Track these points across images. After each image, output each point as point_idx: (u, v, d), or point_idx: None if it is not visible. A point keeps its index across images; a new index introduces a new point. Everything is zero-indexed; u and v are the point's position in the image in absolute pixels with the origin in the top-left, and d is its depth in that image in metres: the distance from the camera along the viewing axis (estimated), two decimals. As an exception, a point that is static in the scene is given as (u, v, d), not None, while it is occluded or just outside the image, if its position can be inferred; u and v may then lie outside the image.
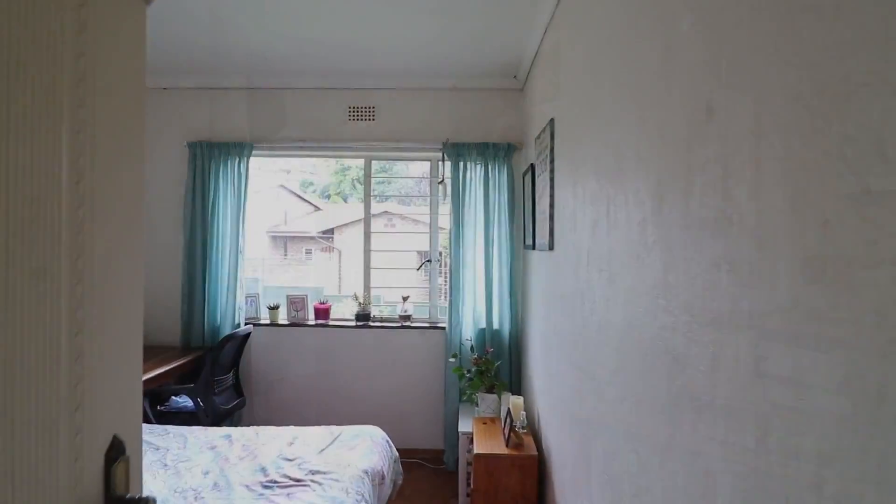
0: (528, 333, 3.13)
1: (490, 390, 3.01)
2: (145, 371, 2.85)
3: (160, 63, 3.34)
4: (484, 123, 3.55)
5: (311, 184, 18.32)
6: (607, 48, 1.51)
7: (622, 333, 1.33)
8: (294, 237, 15.08)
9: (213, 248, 3.50)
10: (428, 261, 3.72)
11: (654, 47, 1.13)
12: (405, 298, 3.69)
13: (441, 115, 3.58)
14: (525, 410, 2.75)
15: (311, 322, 3.71)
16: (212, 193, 3.50)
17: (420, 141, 3.58)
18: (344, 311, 5.40)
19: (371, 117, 3.60)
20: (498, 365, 3.15)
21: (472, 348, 3.25)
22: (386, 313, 3.88)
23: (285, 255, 15.10)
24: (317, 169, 18.42)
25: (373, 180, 3.80)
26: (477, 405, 3.05)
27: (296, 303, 3.75)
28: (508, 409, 2.61)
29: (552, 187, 2.31)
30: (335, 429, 2.49)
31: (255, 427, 2.52)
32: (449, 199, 3.48)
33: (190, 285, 3.54)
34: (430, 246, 3.75)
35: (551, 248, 2.31)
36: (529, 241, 2.99)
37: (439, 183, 3.51)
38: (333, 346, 3.63)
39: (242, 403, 3.36)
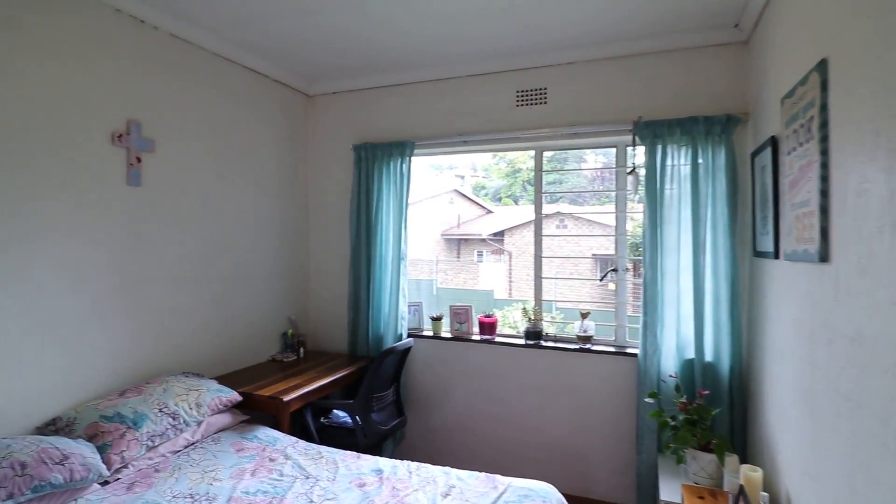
0: (765, 376, 2.24)
1: (705, 448, 2.23)
2: (311, 380, 2.76)
3: (326, 69, 3.28)
4: (690, 93, 2.74)
5: (483, 188, 18.52)
6: None
7: None
8: (466, 239, 15.36)
9: (376, 253, 3.34)
10: (614, 269, 3.03)
11: None
12: (584, 315, 3.06)
13: (630, 89, 2.87)
14: (765, 491, 1.92)
15: (476, 337, 3.32)
16: (375, 196, 3.34)
17: (602, 123, 2.91)
18: (514, 317, 4.95)
19: (542, 100, 3.06)
20: (715, 413, 2.34)
21: (677, 388, 2.48)
22: (558, 327, 3.30)
23: (458, 257, 15.48)
24: (489, 173, 18.59)
25: (544, 176, 3.25)
26: (685, 463, 2.30)
27: (459, 314, 3.39)
28: (741, 486, 1.83)
29: (824, 165, 1.49)
30: (500, 481, 2.01)
31: (408, 463, 2.18)
32: (642, 192, 2.75)
33: (355, 292, 3.43)
34: (616, 251, 3.03)
35: (823, 258, 1.49)
36: (766, 247, 2.13)
37: (629, 173, 2.80)
38: (500, 367, 3.17)
39: (403, 423, 3.11)
